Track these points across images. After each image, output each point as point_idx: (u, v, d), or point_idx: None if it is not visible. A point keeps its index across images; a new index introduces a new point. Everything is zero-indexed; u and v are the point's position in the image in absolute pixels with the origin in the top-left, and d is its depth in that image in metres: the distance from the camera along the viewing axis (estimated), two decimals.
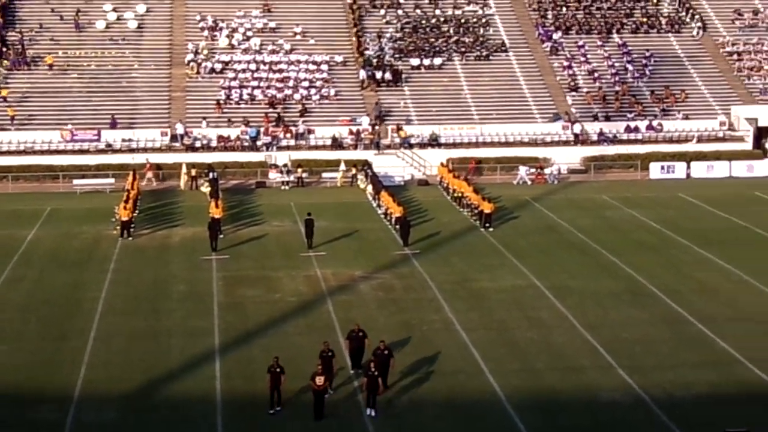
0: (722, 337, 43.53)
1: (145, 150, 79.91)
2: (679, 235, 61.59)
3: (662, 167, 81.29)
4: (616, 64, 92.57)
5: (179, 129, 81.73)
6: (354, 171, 77.73)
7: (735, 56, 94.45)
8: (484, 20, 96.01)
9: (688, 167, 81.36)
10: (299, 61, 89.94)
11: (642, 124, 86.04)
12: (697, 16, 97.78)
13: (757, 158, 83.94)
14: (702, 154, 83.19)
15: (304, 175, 78.21)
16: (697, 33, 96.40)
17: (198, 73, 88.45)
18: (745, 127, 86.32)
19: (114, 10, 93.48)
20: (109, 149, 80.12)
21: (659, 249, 58.84)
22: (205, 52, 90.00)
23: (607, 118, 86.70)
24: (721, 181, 79.69)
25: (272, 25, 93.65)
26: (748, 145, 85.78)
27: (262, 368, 37.23)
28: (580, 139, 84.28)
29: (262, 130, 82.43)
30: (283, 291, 50.67)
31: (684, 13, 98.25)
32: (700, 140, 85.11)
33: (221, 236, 59.96)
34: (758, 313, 47.12)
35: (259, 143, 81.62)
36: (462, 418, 36.26)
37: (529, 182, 79.09)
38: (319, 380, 35.76)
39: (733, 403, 37.20)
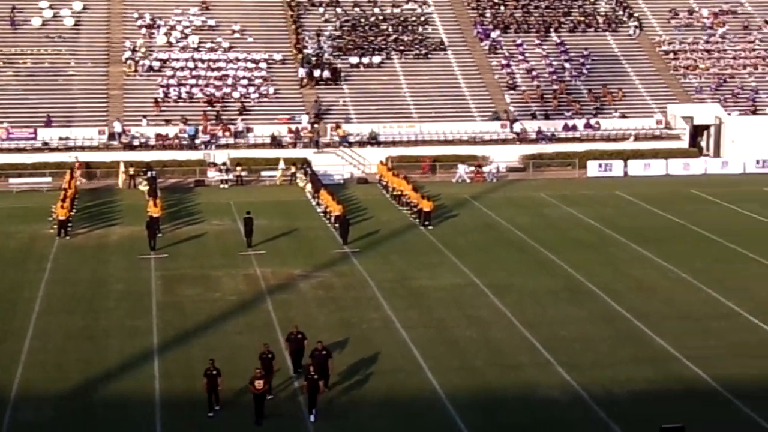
0: (659, 334, 43.90)
1: (82, 149, 79.22)
2: (616, 232, 62.05)
3: (600, 165, 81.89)
4: (554, 63, 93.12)
5: (117, 127, 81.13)
6: (293, 169, 77.55)
7: (671, 55, 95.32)
8: (422, 19, 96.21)
9: (626, 165, 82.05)
10: (238, 59, 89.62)
11: (580, 123, 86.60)
12: (633, 16, 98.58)
13: (693, 156, 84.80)
14: (639, 153, 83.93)
15: (243, 173, 77.96)
16: (634, 32, 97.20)
17: (136, 71, 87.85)
18: (681, 125, 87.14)
19: (50, 7, 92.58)
20: (46, 148, 79.36)
21: (597, 247, 59.25)
22: (143, 50, 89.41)
23: (546, 117, 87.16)
24: (657, 179, 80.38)
25: (211, 23, 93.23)
26: (684, 144, 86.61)
27: (202, 368, 36.99)
28: (518, 138, 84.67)
29: (200, 128, 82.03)
30: (223, 290, 50.47)
31: (621, 12, 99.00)
32: (637, 138, 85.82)
33: (160, 235, 59.59)
34: (695, 310, 47.59)
35: (197, 141, 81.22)
36: (402, 416, 36.28)
37: (468, 180, 79.34)
38: (259, 384, 35.56)
39: (670, 399, 37.52)
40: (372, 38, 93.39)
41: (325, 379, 37.14)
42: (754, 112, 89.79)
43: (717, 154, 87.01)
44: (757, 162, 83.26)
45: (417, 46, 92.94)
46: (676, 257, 56.03)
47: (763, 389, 38.33)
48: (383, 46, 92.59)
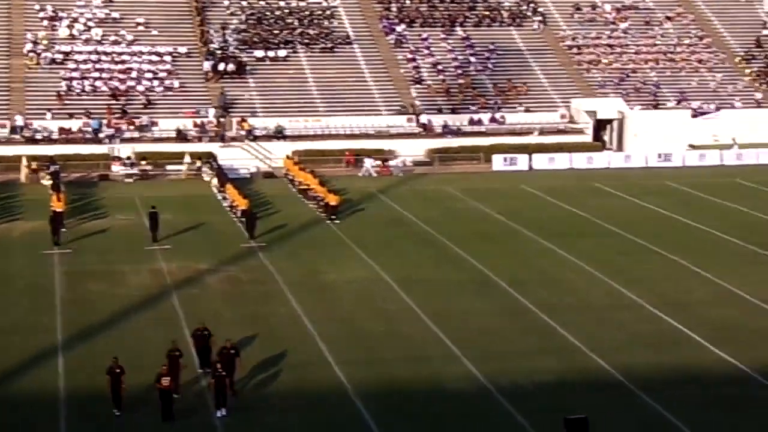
0: (564, 326, 44.39)
1: None
2: (522, 226, 62.57)
3: (505, 159, 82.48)
4: (459, 57, 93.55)
5: (19, 121, 79.94)
6: (199, 163, 77.09)
7: (575, 50, 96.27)
8: (328, 12, 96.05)
9: (530, 159, 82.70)
10: (142, 53, 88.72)
11: (485, 117, 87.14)
12: (538, 11, 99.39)
13: (597, 150, 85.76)
14: (543, 147, 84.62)
15: (148, 167, 77.28)
16: (538, 26, 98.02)
17: (38, 63, 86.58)
18: (584, 119, 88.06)
19: None
20: None
21: (503, 240, 59.73)
22: (45, 42, 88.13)
23: (452, 111, 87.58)
24: (562, 172, 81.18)
25: (114, 15, 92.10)
26: (588, 138, 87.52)
27: (108, 365, 36.60)
28: (425, 132, 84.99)
29: (104, 122, 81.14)
30: (128, 285, 50.04)
31: (525, 7, 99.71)
32: (541, 133, 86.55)
33: (64, 230, 58.82)
34: (598, 302, 48.21)
35: (101, 135, 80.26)
36: (310, 411, 36.27)
37: (375, 174, 79.46)
38: (165, 381, 35.29)
39: (575, 390, 37.98)
40: (277, 32, 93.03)
41: (231, 378, 36.92)
42: (655, 107, 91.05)
43: (620, 148, 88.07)
44: (659, 156, 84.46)
45: (323, 40, 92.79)
46: (580, 250, 56.67)
47: (665, 379, 38.96)
48: (289, 40, 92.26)
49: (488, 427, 34.17)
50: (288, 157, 78.41)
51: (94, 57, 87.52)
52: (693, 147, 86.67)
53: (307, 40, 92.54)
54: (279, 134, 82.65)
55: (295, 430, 35.03)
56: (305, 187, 69.75)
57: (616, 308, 47.33)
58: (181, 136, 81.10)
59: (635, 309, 47.20)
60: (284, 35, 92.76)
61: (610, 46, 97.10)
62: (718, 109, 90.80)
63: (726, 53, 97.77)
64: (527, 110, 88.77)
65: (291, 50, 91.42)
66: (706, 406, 36.67)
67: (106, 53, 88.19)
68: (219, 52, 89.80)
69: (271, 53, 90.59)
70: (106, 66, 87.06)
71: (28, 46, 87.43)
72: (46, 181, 70.94)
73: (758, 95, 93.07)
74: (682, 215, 65.55)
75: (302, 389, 38.00)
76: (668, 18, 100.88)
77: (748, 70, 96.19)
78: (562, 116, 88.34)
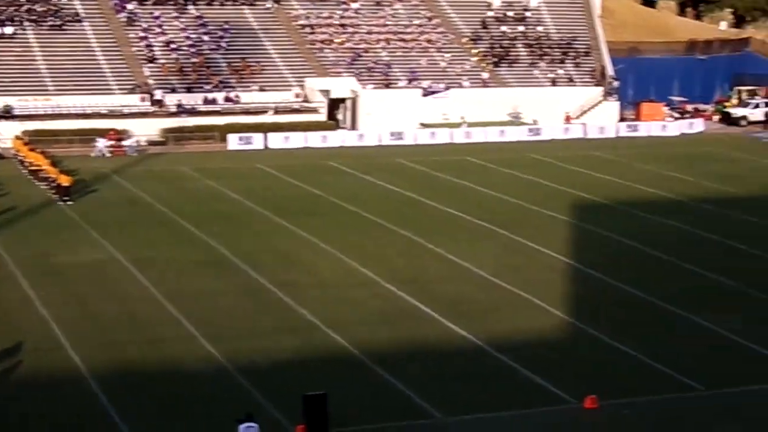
0: (302, 304, 44.80)
1: None
2: (258, 205, 62.75)
3: (240, 138, 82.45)
4: (193, 36, 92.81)
5: None
6: None
7: (308, 29, 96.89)
8: None
9: (266, 138, 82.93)
10: None
11: (220, 96, 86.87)
12: None
13: (331, 129, 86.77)
14: (279, 126, 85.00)
15: None
16: (271, 6, 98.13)
17: None
18: (318, 98, 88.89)
19: None
20: None
21: (239, 219, 59.77)
22: None
23: (188, 90, 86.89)
24: (297, 151, 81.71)
25: None
26: (322, 117, 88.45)
27: None
28: (159, 111, 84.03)
29: None
30: None
31: None
32: (276, 112, 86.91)
33: None
34: (335, 279, 48.84)
35: None
36: (46, 396, 35.50)
37: (108, 155, 78.08)
38: None
39: (314, 367, 38.37)
40: (3, 8, 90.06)
41: None
42: (387, 86, 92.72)
43: (353, 126, 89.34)
44: (392, 134, 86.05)
45: (51, 18, 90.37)
46: (316, 228, 57.24)
47: (401, 353, 39.81)
48: (16, 17, 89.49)
49: (226, 406, 34.18)
50: (17, 137, 76.20)
51: None
52: (424, 125, 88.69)
53: (34, 17, 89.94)
54: (7, 114, 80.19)
55: (33, 417, 34.16)
56: (36, 168, 67.99)
57: (352, 285, 48.05)
58: None
59: (370, 285, 48.03)
60: (10, 12, 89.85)
61: (343, 25, 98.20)
62: (447, 88, 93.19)
63: (454, 34, 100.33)
64: (262, 89, 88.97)
65: (18, 27, 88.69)
66: (442, 379, 37.69)
67: None
68: None
69: None
70: None
71: None
72: None
73: (485, 75, 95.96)
74: (414, 192, 67.01)
75: (36, 374, 37.11)
76: None
77: (475, 51, 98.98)
78: (297, 95, 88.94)
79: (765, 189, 69.62)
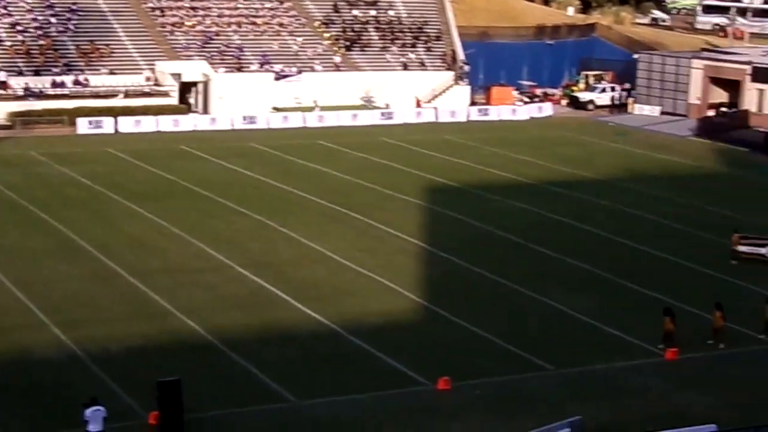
0: (154, 290, 44.46)
1: None
2: (109, 190, 61.90)
3: (90, 122, 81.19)
4: (39, 18, 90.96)
5: None
6: None
7: (158, 12, 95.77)
8: None
9: (116, 122, 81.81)
10: None
11: (68, 79, 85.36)
12: None
13: (182, 113, 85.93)
14: (129, 109, 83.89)
15: None
16: None
17: None
18: (170, 82, 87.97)
19: None
20: None
21: (90, 204, 58.94)
22: None
23: (36, 73, 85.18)
24: (148, 135, 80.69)
25: None
26: (173, 100, 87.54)
27: None
28: (5, 94, 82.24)
29: None
30: None
31: None
32: (127, 95, 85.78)
33: None
34: (188, 265, 48.57)
35: None
36: None
37: None
38: None
39: (167, 353, 38.17)
40: None
41: None
42: (239, 70, 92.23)
43: (206, 110, 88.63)
44: (244, 118, 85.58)
45: None
46: (168, 213, 56.76)
47: (255, 338, 39.87)
48: None
49: (78, 394, 33.72)
50: None
51: None
52: (277, 109, 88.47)
53: None
54: None
55: None
56: None
57: (206, 270, 47.87)
58: None
59: (224, 270, 47.90)
60: None
61: (193, 8, 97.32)
62: (299, 72, 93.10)
63: (306, 18, 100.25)
64: (112, 73, 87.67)
65: None
66: (297, 363, 37.83)
67: None
68: None
69: None
70: None
71: None
72: None
73: (337, 59, 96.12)
74: (267, 177, 66.86)
75: None
76: None
77: (327, 35, 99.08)
78: (147, 79, 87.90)
79: (613, 171, 71.17)
